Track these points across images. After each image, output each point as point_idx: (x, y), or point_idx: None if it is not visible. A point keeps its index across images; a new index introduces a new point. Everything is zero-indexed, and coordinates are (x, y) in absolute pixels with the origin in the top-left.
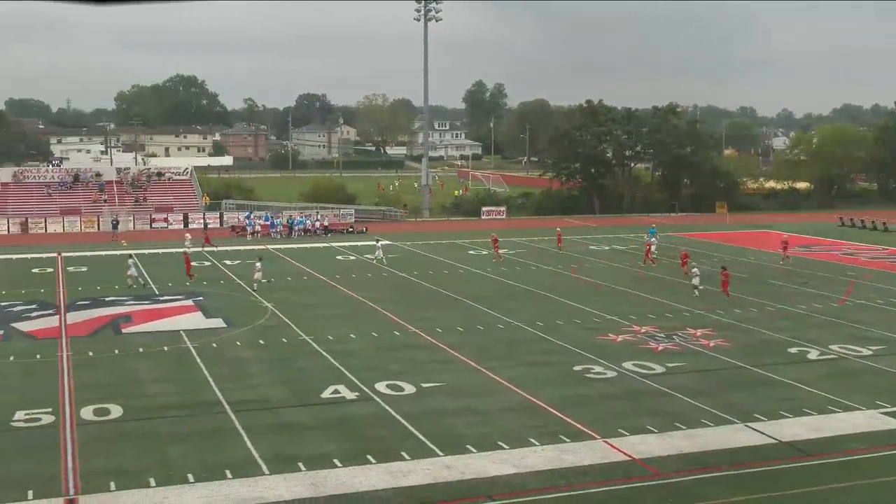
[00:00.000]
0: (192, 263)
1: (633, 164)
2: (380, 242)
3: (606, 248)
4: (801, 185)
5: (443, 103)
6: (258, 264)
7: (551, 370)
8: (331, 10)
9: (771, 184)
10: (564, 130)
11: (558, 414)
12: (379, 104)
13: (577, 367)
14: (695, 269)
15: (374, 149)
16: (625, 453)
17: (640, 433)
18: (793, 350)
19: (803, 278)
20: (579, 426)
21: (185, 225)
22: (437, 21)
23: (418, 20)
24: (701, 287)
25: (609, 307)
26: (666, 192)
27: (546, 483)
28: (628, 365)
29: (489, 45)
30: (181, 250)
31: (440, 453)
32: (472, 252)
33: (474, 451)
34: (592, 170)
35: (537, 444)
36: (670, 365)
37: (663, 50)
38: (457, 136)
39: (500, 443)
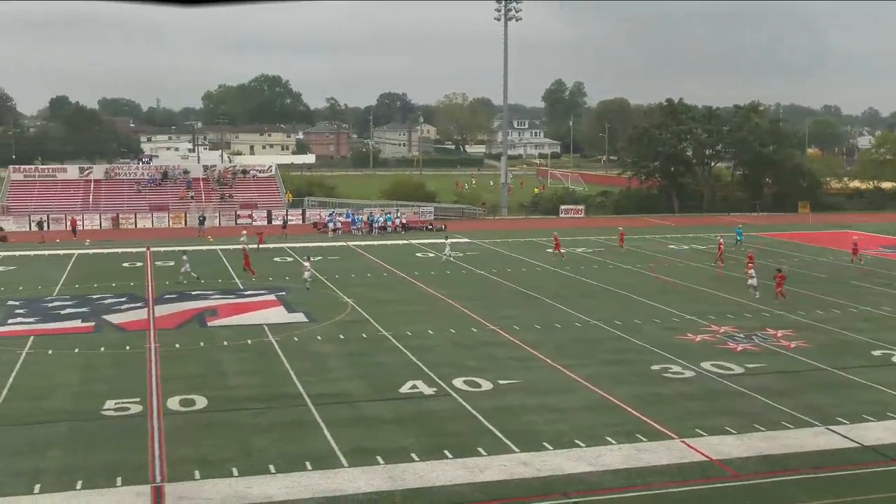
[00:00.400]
0: (275, 259)
1: (713, 163)
2: (448, 240)
3: (685, 247)
4: (887, 185)
5: (522, 102)
6: (307, 263)
7: (628, 369)
8: (412, 11)
9: (855, 183)
10: (644, 129)
11: (635, 413)
12: (459, 103)
13: (654, 367)
14: (751, 271)
15: (453, 147)
16: (702, 453)
17: (719, 434)
18: (876, 353)
19: (887, 279)
20: (656, 425)
21: (269, 221)
22: (517, 20)
23: (498, 20)
24: (756, 287)
25: (688, 307)
26: (747, 192)
27: (623, 482)
28: (706, 365)
29: (569, 44)
30: (239, 247)
31: (516, 450)
32: (549, 250)
33: (551, 448)
34: (672, 168)
35: (614, 442)
36: (749, 365)
37: (745, 48)
38: (535, 135)
39: (576, 441)
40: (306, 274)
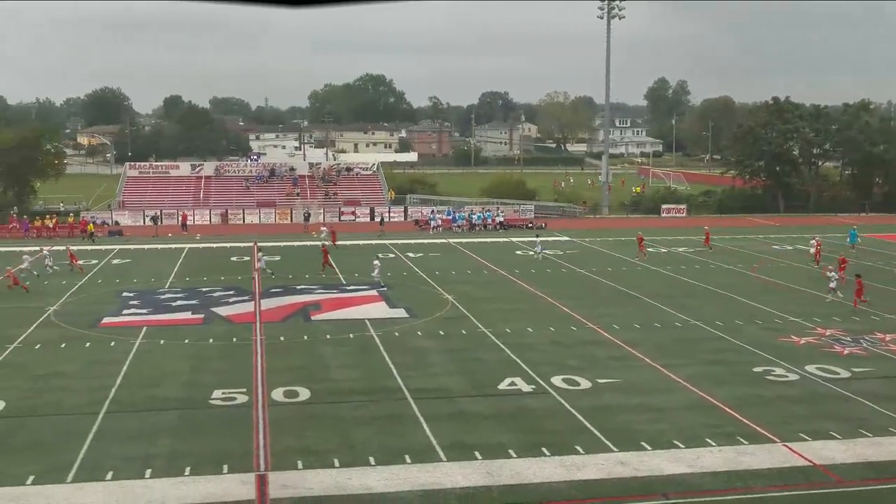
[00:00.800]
0: (379, 258)
1: (820, 163)
2: (539, 238)
3: (790, 247)
4: None
5: (624, 100)
6: (376, 262)
7: (729, 370)
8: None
9: None
10: (749, 128)
11: (735, 415)
12: (560, 102)
13: (756, 369)
14: (832, 273)
15: (554, 146)
16: (805, 458)
17: (823, 438)
18: None
19: None
20: (757, 428)
21: (371, 219)
22: (620, 19)
23: (601, 18)
24: (836, 292)
25: (791, 308)
26: (856, 192)
27: (722, 484)
28: (811, 368)
29: (672, 43)
30: (318, 243)
31: (614, 449)
32: (650, 249)
33: (649, 448)
34: (777, 168)
35: (713, 444)
36: (856, 370)
37: (853, 46)
38: (637, 134)
39: (675, 441)
40: (375, 272)
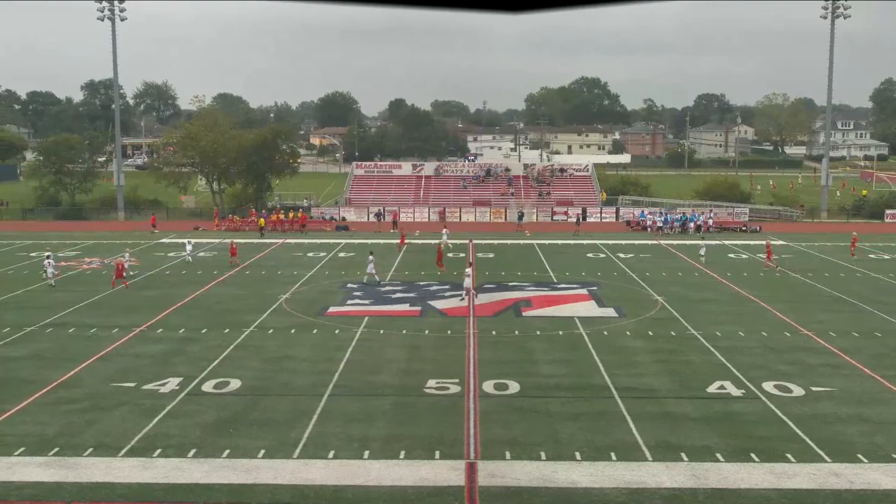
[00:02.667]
0: (588, 255)
1: None
2: (704, 241)
3: None
4: None
5: (847, 102)
6: (371, 257)
7: None
8: (733, 11)
9: None
10: None
11: None
12: (779, 103)
13: None
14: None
15: (771, 148)
16: None
17: None
18: None
19: None
20: None
21: (584, 219)
22: (844, 18)
23: (825, 18)
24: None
25: None
26: None
27: None
28: None
29: None
30: (438, 242)
31: (828, 459)
32: (871, 256)
33: (865, 461)
34: None
35: None
36: None
37: None
38: (861, 136)
39: (894, 455)
40: (370, 267)
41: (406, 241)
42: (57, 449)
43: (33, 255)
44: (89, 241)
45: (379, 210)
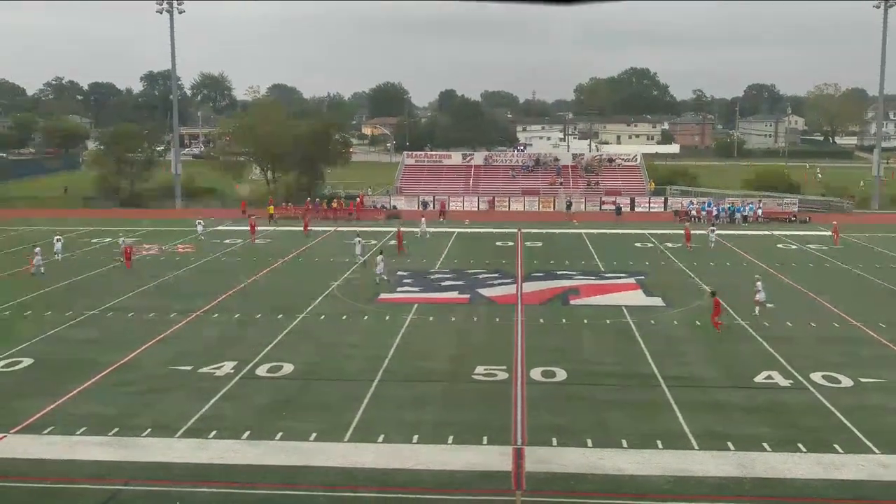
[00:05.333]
0: (636, 245)
1: None
2: (715, 231)
3: None
4: None
5: None
6: (358, 239)
7: None
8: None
9: None
10: None
11: None
12: (830, 93)
13: None
14: (758, 284)
15: (822, 139)
16: None
17: None
18: None
19: None
20: None
21: (631, 208)
22: None
23: (878, 7)
24: (766, 304)
25: None
26: None
27: None
28: None
29: None
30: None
31: (876, 450)
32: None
33: None
34: None
35: None
36: None
37: None
38: None
39: None
40: (358, 249)
41: (404, 247)
42: (116, 429)
43: (94, 241)
44: (148, 228)
45: (425, 199)
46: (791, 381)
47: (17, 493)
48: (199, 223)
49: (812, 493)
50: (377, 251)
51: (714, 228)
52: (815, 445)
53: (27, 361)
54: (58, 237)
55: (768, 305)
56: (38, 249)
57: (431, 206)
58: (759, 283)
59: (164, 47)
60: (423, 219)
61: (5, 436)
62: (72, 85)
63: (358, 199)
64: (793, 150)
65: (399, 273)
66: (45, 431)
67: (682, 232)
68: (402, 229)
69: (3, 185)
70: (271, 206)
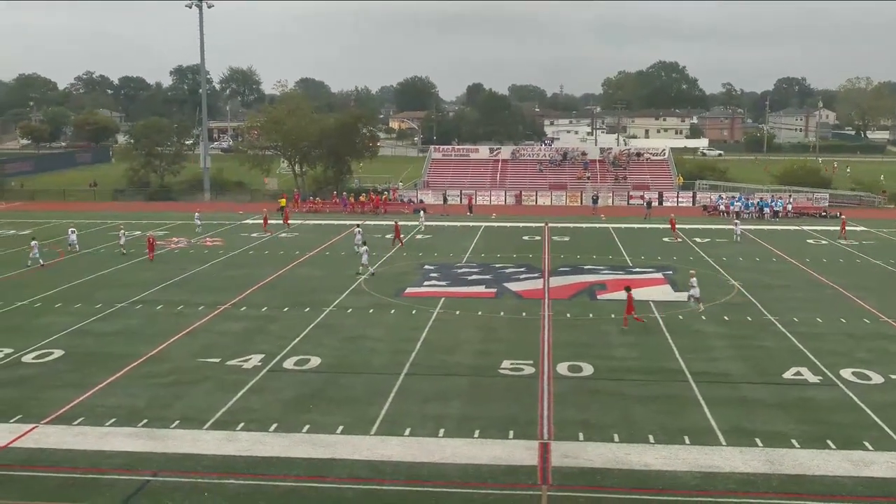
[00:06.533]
0: (664, 239)
1: None
2: (740, 225)
3: None
4: None
5: None
6: (358, 230)
7: None
8: None
9: None
10: None
11: None
12: (861, 87)
13: None
14: (693, 280)
15: (853, 133)
16: None
17: None
18: None
19: None
20: None
21: (660, 203)
22: None
23: None
24: (698, 300)
25: None
26: None
27: None
28: None
29: None
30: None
31: None
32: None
33: None
34: None
35: None
36: None
37: None
38: None
39: None
40: (357, 237)
41: (402, 238)
42: (145, 421)
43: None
44: (177, 221)
45: (444, 193)
46: (820, 378)
47: (48, 482)
48: (197, 217)
49: (841, 491)
50: (361, 242)
51: (738, 222)
52: (845, 442)
53: (57, 353)
54: (72, 229)
55: (701, 304)
56: (34, 242)
57: (460, 199)
58: (693, 280)
59: (194, 41)
60: (423, 211)
61: (36, 426)
62: (102, 79)
63: (384, 193)
64: (824, 145)
65: (426, 267)
66: (76, 422)
67: (708, 225)
68: (401, 223)
69: (35, 179)
70: (283, 200)
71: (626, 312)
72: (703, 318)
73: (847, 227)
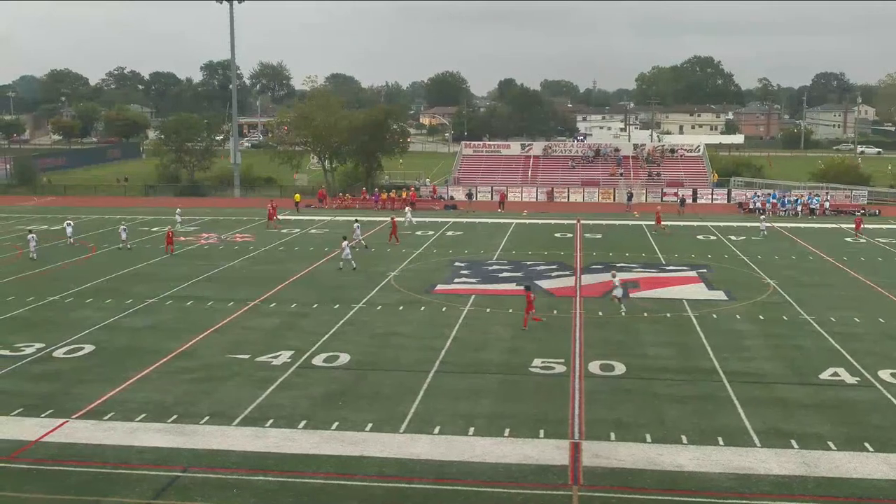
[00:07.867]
0: (698, 237)
1: None
2: (764, 223)
3: None
4: None
5: None
6: (356, 224)
7: None
8: None
9: None
10: None
11: None
12: None
13: None
14: (616, 280)
15: (893, 129)
16: None
17: None
18: None
19: None
20: None
21: (694, 199)
22: None
23: None
24: (619, 301)
25: None
26: None
27: None
28: None
29: None
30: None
31: None
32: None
33: None
34: None
35: None
36: None
37: None
38: None
39: None
40: (356, 233)
41: (398, 235)
42: (175, 416)
43: (155, 230)
44: (207, 216)
45: (469, 190)
46: (858, 379)
47: (78, 477)
48: (177, 213)
49: (879, 494)
50: (342, 237)
51: (764, 218)
52: (883, 445)
53: (88, 348)
54: (68, 222)
55: (622, 307)
56: (31, 236)
57: (491, 196)
58: (616, 279)
59: (224, 37)
60: (409, 209)
61: (67, 421)
62: (133, 75)
63: (418, 189)
64: (863, 141)
65: (456, 264)
66: (106, 417)
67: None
68: (398, 219)
69: (66, 174)
70: (298, 195)
71: (526, 311)
72: (738, 316)
73: (886, 225)
